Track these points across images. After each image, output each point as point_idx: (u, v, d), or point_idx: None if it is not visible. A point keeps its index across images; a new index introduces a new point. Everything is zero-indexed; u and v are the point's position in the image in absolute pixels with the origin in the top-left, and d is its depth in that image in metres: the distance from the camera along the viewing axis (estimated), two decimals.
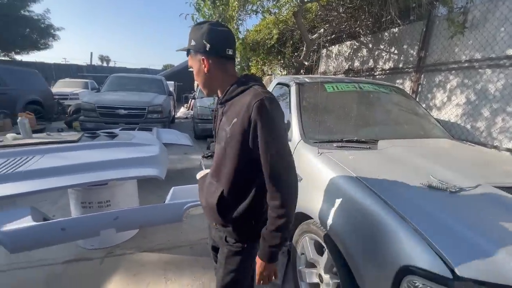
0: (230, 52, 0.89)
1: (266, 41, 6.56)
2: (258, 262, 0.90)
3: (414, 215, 0.96)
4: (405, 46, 3.85)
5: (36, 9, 22.72)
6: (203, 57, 0.86)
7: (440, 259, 0.81)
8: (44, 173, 1.56)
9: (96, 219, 1.46)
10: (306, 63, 5.03)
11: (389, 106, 2.28)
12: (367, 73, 4.61)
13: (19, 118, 2.22)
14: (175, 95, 9.67)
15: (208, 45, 0.84)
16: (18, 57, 15.34)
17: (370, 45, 4.63)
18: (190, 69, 0.94)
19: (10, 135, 2.12)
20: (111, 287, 1.71)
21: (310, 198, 1.43)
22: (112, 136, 2.39)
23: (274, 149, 0.79)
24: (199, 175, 1.10)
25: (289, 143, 1.77)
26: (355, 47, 5.03)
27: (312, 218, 1.40)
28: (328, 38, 5.28)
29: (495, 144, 2.67)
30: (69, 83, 11.35)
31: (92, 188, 1.96)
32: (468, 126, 2.95)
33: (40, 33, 14.87)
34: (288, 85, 2.15)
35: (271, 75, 8.30)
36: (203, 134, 5.80)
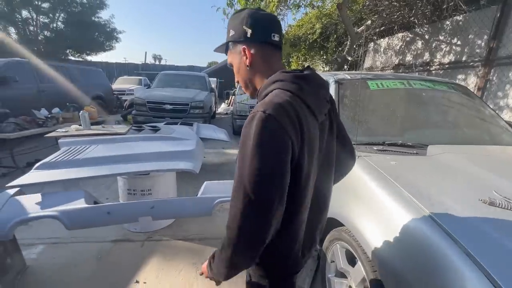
0: (277, 38, 0.72)
1: (308, 36, 6.35)
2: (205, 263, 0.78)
3: (467, 237, 0.82)
4: (471, 36, 3.32)
5: (103, 15, 25.91)
6: (243, 46, 0.71)
7: None
8: (96, 161, 1.76)
9: (135, 207, 1.60)
10: (349, 58, 4.73)
11: (445, 106, 1.99)
12: (421, 68, 4.12)
13: (81, 111, 2.55)
14: (217, 91, 10.05)
15: (249, 31, 0.70)
16: (89, 58, 17.83)
17: (427, 37, 4.12)
18: (230, 67, 0.79)
19: (73, 126, 2.46)
20: (148, 269, 1.87)
21: (343, 204, 1.33)
22: (155, 130, 2.59)
23: (239, 181, 0.59)
24: None
25: None
26: (407, 39, 4.54)
27: (344, 225, 1.31)
28: (377, 30, 4.85)
29: None
30: (127, 80, 12.70)
31: (136, 177, 2.17)
32: None
33: (106, 36, 16.98)
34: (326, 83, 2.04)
35: None
36: (240, 130, 5.94)
